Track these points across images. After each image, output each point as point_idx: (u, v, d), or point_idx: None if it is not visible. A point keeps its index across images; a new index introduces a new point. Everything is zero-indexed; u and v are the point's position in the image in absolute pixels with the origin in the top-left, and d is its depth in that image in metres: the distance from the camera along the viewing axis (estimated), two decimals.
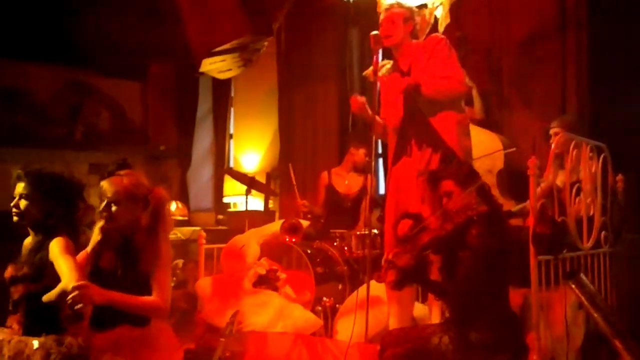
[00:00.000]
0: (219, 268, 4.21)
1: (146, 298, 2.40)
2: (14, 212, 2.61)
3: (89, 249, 2.59)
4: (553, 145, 3.10)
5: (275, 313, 3.57)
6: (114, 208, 2.50)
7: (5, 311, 2.61)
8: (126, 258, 2.49)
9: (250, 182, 5.23)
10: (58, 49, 6.18)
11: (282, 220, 4.30)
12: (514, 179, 4.02)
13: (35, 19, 5.96)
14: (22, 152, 6.10)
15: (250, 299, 3.70)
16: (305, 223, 4.26)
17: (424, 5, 3.54)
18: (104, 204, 2.52)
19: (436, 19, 3.60)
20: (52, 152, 5.99)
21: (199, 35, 5.07)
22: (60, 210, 2.55)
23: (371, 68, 3.36)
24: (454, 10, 3.74)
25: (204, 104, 7.51)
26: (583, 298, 2.65)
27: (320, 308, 3.73)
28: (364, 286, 3.15)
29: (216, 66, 5.40)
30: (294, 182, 4.83)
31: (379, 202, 4.55)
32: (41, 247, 2.56)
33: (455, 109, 3.24)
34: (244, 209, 5.72)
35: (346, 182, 4.67)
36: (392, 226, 3.28)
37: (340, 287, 3.93)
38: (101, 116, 6.88)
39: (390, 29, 3.29)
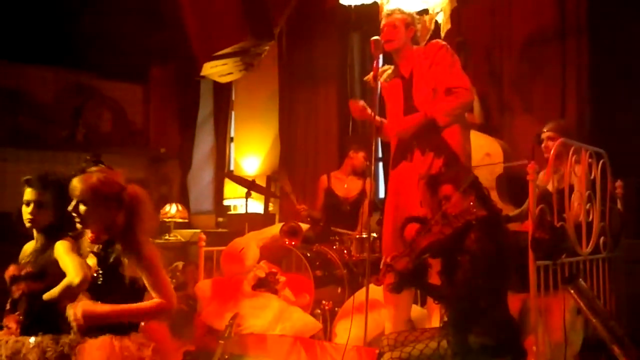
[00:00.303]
0: (219, 270, 4.21)
1: (150, 303, 2.32)
2: (28, 218, 2.62)
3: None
4: (552, 150, 3.10)
5: (275, 316, 3.58)
6: (82, 208, 2.34)
7: (3, 312, 2.62)
8: (106, 263, 2.37)
9: (250, 185, 5.24)
10: (60, 51, 6.21)
11: (281, 223, 4.31)
12: (513, 184, 4.03)
13: (38, 21, 5.99)
14: (23, 153, 6.13)
15: (249, 302, 3.71)
16: (304, 226, 4.27)
17: (425, 12, 3.55)
18: (72, 203, 2.37)
19: (437, 25, 3.61)
20: (54, 154, 6.01)
21: (200, 39, 5.09)
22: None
23: (372, 74, 3.37)
24: (454, 16, 3.76)
25: (205, 107, 7.53)
26: (582, 303, 2.65)
27: (319, 311, 3.73)
28: (362, 289, 3.16)
29: (217, 70, 5.41)
30: (290, 191, 4.84)
31: (378, 205, 4.56)
32: (47, 248, 2.58)
33: (460, 120, 3.27)
34: (244, 211, 5.73)
35: (345, 185, 4.67)
36: (391, 230, 3.30)
37: (339, 290, 3.94)
38: (102, 118, 6.90)
39: (392, 34, 3.30)
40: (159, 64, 7.15)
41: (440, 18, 3.68)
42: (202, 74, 5.55)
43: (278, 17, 5.24)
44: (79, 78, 6.77)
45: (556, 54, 4.41)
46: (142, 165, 7.11)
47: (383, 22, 3.38)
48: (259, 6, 5.09)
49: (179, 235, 6.42)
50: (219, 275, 4.18)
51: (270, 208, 6.28)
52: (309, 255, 4.00)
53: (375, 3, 3.68)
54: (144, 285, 2.36)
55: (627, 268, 3.54)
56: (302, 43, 5.95)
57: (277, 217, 6.06)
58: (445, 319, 2.75)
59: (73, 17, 6.13)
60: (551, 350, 2.87)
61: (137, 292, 2.37)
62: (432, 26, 3.54)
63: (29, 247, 2.69)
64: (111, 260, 2.34)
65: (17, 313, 2.57)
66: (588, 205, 3.19)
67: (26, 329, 2.52)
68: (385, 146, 3.60)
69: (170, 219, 6.43)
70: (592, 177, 3.27)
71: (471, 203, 2.72)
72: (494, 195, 3.66)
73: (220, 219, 7.00)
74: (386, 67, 3.48)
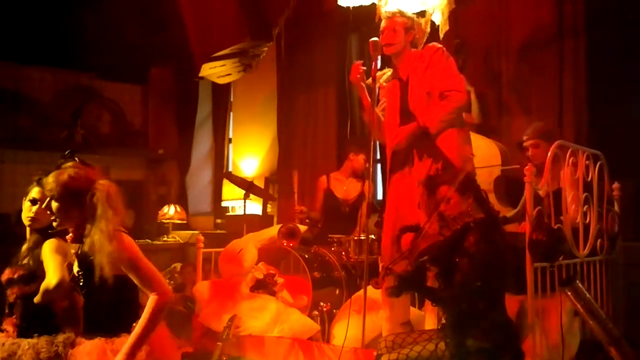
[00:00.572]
0: (217, 272, 4.21)
1: (148, 307, 2.26)
2: (30, 217, 2.63)
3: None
4: (550, 152, 3.10)
5: (273, 317, 3.58)
6: (54, 204, 2.30)
7: (2, 315, 2.63)
8: (85, 264, 2.31)
9: (248, 187, 5.24)
10: (60, 52, 6.22)
11: (280, 225, 4.31)
12: (511, 186, 4.03)
13: (37, 22, 5.99)
14: (22, 154, 6.13)
15: (247, 303, 3.71)
16: (303, 228, 4.27)
17: (421, 15, 3.56)
18: (46, 200, 2.35)
19: (433, 27, 3.61)
20: (53, 155, 5.99)
21: (199, 40, 5.09)
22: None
23: (371, 75, 3.39)
24: (452, 17, 3.76)
25: (204, 109, 7.54)
26: (579, 305, 2.66)
27: (317, 313, 3.73)
28: (360, 291, 3.16)
29: (216, 71, 5.42)
30: (296, 190, 4.83)
31: (376, 207, 4.57)
32: (36, 247, 2.59)
33: (455, 123, 3.27)
34: (242, 213, 5.74)
35: (345, 187, 4.68)
36: (391, 234, 3.31)
37: (337, 292, 3.94)
38: (101, 119, 6.90)
39: (392, 38, 3.31)
40: (158, 65, 7.16)
41: (437, 19, 3.68)
42: (200, 75, 5.56)
43: (277, 19, 5.24)
44: (78, 79, 6.78)
45: (554, 55, 4.42)
46: (141, 166, 7.12)
47: (383, 24, 3.38)
48: (258, 7, 5.10)
49: (177, 237, 6.43)
50: (217, 277, 4.18)
51: (269, 209, 6.29)
52: (307, 256, 4.00)
53: (373, 4, 3.69)
54: (130, 280, 2.30)
55: (624, 270, 3.55)
56: (300, 44, 5.96)
57: (275, 218, 6.06)
58: (443, 321, 2.75)
59: (72, 18, 6.13)
60: (548, 352, 2.88)
61: (123, 289, 2.32)
62: (428, 29, 3.55)
63: (24, 248, 2.69)
64: (87, 259, 2.28)
65: (13, 316, 2.58)
66: (585, 207, 3.19)
67: (23, 332, 2.54)
68: (382, 144, 3.60)
69: (168, 220, 6.44)
70: (589, 179, 3.28)
71: (469, 205, 2.73)
72: (492, 198, 3.66)
73: (219, 221, 7.01)
74: (386, 69, 3.48)
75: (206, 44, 5.14)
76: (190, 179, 7.41)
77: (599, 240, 3.34)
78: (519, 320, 2.90)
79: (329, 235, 4.30)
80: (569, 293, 2.66)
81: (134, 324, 2.33)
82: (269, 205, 6.29)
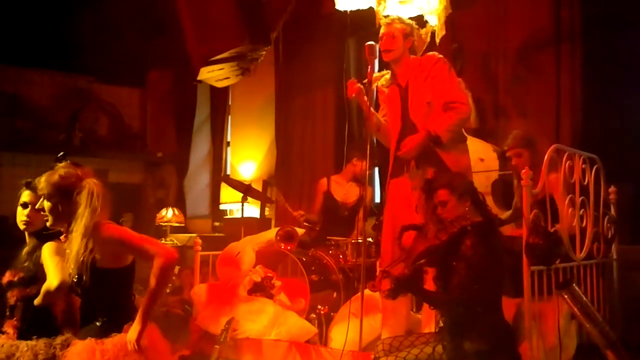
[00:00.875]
0: (215, 275, 4.21)
1: (155, 269, 2.31)
2: (24, 220, 2.64)
3: None
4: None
5: (270, 320, 3.58)
6: (46, 204, 2.40)
7: (4, 317, 2.64)
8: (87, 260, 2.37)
9: (246, 190, 5.24)
10: (58, 55, 6.23)
11: (277, 228, 4.31)
12: (509, 190, 4.04)
13: (36, 25, 6.00)
14: (20, 157, 6.14)
15: (245, 306, 3.71)
16: (300, 231, 4.27)
17: (422, 25, 3.58)
18: (40, 201, 2.44)
19: (432, 37, 3.64)
20: (51, 158, 5.99)
21: (197, 44, 5.10)
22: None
23: (367, 79, 3.40)
24: (449, 22, 3.78)
25: (202, 112, 7.55)
26: (575, 308, 2.66)
27: (314, 316, 3.73)
28: (358, 294, 3.17)
29: (214, 74, 5.43)
30: (283, 202, 4.84)
31: (374, 210, 4.58)
32: (35, 250, 2.60)
33: (458, 134, 3.31)
34: (240, 216, 5.74)
35: (344, 191, 4.69)
36: (390, 238, 3.32)
37: (335, 295, 3.94)
38: (100, 122, 6.92)
39: (391, 44, 3.32)
40: (156, 68, 7.18)
41: (434, 24, 3.70)
42: (199, 78, 5.56)
43: (275, 22, 5.25)
44: (77, 82, 6.79)
45: (551, 59, 4.43)
46: (139, 169, 7.13)
47: (382, 30, 3.39)
48: (256, 11, 5.11)
49: (175, 240, 6.42)
50: (215, 280, 4.18)
51: (266, 212, 6.29)
52: (304, 259, 4.00)
53: (371, 8, 3.70)
54: (128, 276, 2.38)
55: (620, 274, 3.56)
56: (298, 48, 5.97)
57: (273, 221, 6.07)
58: (441, 324, 2.76)
59: (71, 21, 6.14)
60: (545, 355, 2.88)
61: (117, 289, 2.38)
62: (428, 38, 3.57)
63: (24, 251, 2.70)
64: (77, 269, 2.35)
65: (14, 319, 2.59)
66: (582, 210, 3.21)
67: (22, 334, 2.55)
68: (383, 152, 3.62)
69: (166, 223, 6.44)
70: (585, 182, 3.29)
71: (467, 209, 2.74)
72: (490, 201, 3.67)
73: (217, 223, 7.01)
74: (384, 72, 3.49)
75: (204, 47, 5.14)
76: (188, 182, 7.41)
77: (595, 244, 3.35)
78: (516, 323, 2.91)
79: (328, 237, 4.31)
80: (566, 296, 2.67)
81: (126, 325, 2.36)
82: (266, 208, 6.30)
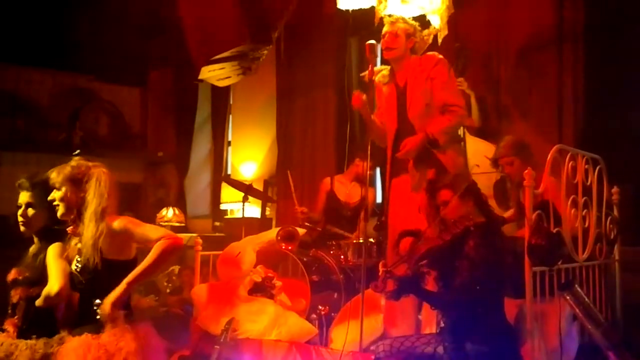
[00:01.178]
0: (215, 275, 4.20)
1: (156, 247, 2.38)
2: (21, 221, 2.65)
3: None
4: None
5: (271, 321, 3.57)
6: (57, 194, 2.51)
7: (5, 314, 2.65)
8: (80, 253, 2.47)
9: (247, 190, 5.23)
10: (58, 54, 6.22)
11: (278, 228, 4.30)
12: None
13: (36, 24, 6.00)
14: (20, 156, 6.13)
15: (245, 307, 3.70)
16: (301, 231, 4.26)
17: (425, 25, 3.58)
18: (52, 193, 2.53)
19: (434, 36, 3.63)
20: (51, 157, 6.00)
21: (198, 43, 5.09)
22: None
23: (367, 76, 3.41)
24: (451, 21, 3.77)
25: (203, 111, 7.54)
26: (578, 310, 2.65)
27: (315, 316, 3.72)
28: (359, 295, 3.16)
29: (215, 74, 5.42)
30: (293, 189, 4.83)
31: (376, 211, 4.57)
32: (42, 251, 2.60)
33: (455, 137, 3.36)
34: (240, 216, 5.73)
35: (348, 191, 4.69)
36: (394, 237, 3.31)
37: (335, 295, 3.93)
38: (100, 122, 6.91)
39: (394, 42, 3.33)
40: (157, 67, 7.17)
41: (436, 24, 3.69)
42: (200, 77, 5.55)
43: (276, 22, 5.24)
44: (77, 81, 6.78)
45: (553, 59, 4.43)
46: (139, 168, 7.12)
47: (385, 28, 3.40)
48: (257, 10, 5.10)
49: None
50: (215, 280, 4.17)
51: (267, 212, 6.28)
52: (305, 260, 3.99)
53: (373, 8, 3.69)
54: (130, 270, 2.41)
55: (623, 275, 3.55)
56: (300, 47, 5.97)
57: (273, 221, 6.06)
58: (442, 324, 2.75)
59: (71, 20, 6.14)
60: (547, 356, 2.87)
61: (117, 281, 2.40)
62: (431, 40, 3.57)
63: (31, 251, 2.71)
64: (84, 255, 2.43)
65: (15, 317, 2.59)
66: (584, 211, 3.19)
67: (22, 333, 2.55)
68: (383, 153, 3.63)
69: (166, 223, 6.42)
70: (588, 183, 3.28)
71: (469, 209, 2.73)
72: (492, 202, 3.66)
73: (217, 223, 7.00)
74: (382, 67, 3.49)
75: (205, 46, 5.13)
76: (189, 181, 7.40)
77: (597, 245, 3.34)
78: (517, 324, 2.90)
79: (329, 227, 4.31)
80: (568, 297, 2.65)
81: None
82: (267, 208, 6.29)
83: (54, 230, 2.62)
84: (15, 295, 2.62)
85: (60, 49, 6.17)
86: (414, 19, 3.58)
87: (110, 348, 2.33)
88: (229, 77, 5.61)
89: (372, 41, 3.32)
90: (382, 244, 3.65)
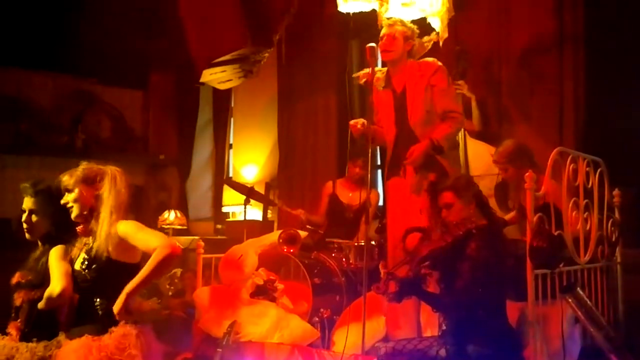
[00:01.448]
0: (217, 278, 4.20)
1: (154, 255, 2.38)
2: (26, 227, 2.66)
3: None
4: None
5: (273, 324, 3.57)
6: (70, 196, 2.53)
7: (8, 318, 2.66)
8: (92, 255, 2.48)
9: (249, 192, 5.24)
10: (60, 58, 6.23)
11: (280, 231, 4.30)
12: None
13: (38, 27, 6.01)
14: (23, 159, 6.14)
15: (247, 309, 3.70)
16: (303, 234, 4.26)
17: (426, 29, 3.59)
18: (65, 196, 2.56)
19: (434, 45, 3.65)
20: (53, 160, 6.02)
21: (200, 46, 5.10)
22: (67, 218, 2.59)
23: (362, 71, 3.48)
24: (452, 24, 3.78)
25: (204, 114, 7.55)
26: (579, 312, 2.65)
27: (317, 319, 3.72)
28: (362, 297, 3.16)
29: (217, 77, 5.43)
30: (281, 205, 4.84)
31: (377, 213, 4.57)
32: (44, 255, 2.61)
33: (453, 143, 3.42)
34: (242, 218, 5.73)
35: (350, 194, 4.69)
36: (393, 239, 3.32)
37: (337, 298, 3.93)
38: (102, 125, 6.91)
39: (391, 45, 3.35)
40: (159, 70, 7.17)
41: (437, 26, 3.70)
42: (201, 80, 5.57)
43: (277, 24, 5.26)
44: (79, 84, 6.79)
45: (554, 62, 4.43)
46: (141, 171, 7.12)
47: (384, 31, 3.41)
48: (259, 13, 5.12)
49: (177, 242, 6.41)
50: (217, 283, 4.17)
51: (269, 215, 6.29)
52: (307, 262, 3.99)
53: (374, 10, 3.70)
54: (134, 274, 2.41)
55: (624, 277, 3.55)
56: (301, 50, 5.97)
57: (275, 224, 6.06)
58: (444, 327, 2.75)
59: (73, 23, 6.15)
60: (549, 359, 2.87)
61: (120, 283, 2.41)
62: (430, 45, 3.58)
63: (34, 254, 2.72)
64: (95, 251, 2.45)
65: (18, 320, 2.60)
66: (586, 214, 3.20)
67: (25, 336, 2.56)
68: (383, 154, 3.65)
69: (168, 226, 6.43)
70: (589, 185, 3.28)
71: (471, 211, 2.73)
72: (493, 204, 3.66)
73: (219, 226, 7.00)
74: (377, 69, 3.50)
75: (207, 49, 5.15)
76: (190, 184, 7.41)
77: (599, 247, 3.34)
78: (519, 327, 2.90)
79: (328, 240, 4.31)
80: (570, 300, 2.65)
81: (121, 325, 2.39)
82: (269, 211, 6.29)
83: (57, 236, 2.64)
84: (18, 298, 2.63)
85: (62, 52, 6.17)
86: (415, 22, 3.60)
87: (111, 351, 2.34)
88: (231, 80, 5.63)
89: (373, 44, 3.33)
90: (384, 246, 3.66)
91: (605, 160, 3.48)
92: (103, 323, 2.40)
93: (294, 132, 6.22)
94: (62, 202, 2.54)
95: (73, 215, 2.54)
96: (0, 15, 5.72)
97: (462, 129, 4.17)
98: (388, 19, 3.51)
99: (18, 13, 5.92)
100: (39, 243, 2.71)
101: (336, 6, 3.79)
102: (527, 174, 2.95)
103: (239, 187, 5.39)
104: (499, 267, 2.66)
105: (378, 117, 3.52)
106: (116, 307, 2.34)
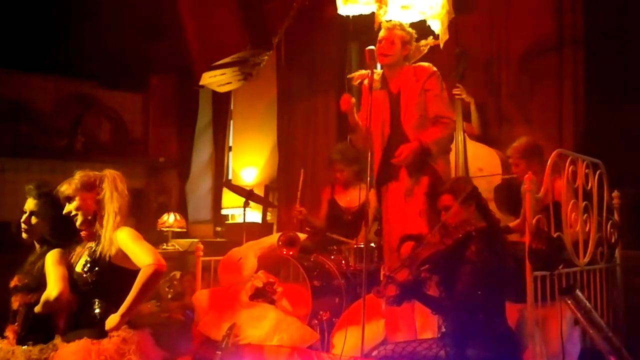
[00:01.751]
0: (216, 280, 4.20)
1: (141, 274, 2.41)
2: (24, 228, 2.67)
3: None
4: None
5: (272, 326, 3.57)
6: (72, 205, 2.56)
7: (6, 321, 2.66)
8: (96, 258, 2.51)
9: (248, 195, 5.24)
10: (60, 60, 6.23)
11: (279, 233, 4.30)
12: (512, 195, 4.03)
13: (38, 31, 6.01)
14: (23, 162, 6.14)
15: (247, 312, 3.70)
16: (302, 236, 4.26)
17: (425, 32, 3.60)
18: (66, 206, 2.58)
19: (435, 38, 3.64)
20: (53, 163, 6.02)
21: (199, 49, 5.11)
22: (65, 225, 2.60)
23: (357, 73, 3.50)
24: (452, 26, 3.78)
25: (204, 117, 7.55)
26: (579, 314, 2.64)
27: (316, 321, 3.72)
28: (361, 300, 3.16)
29: (216, 79, 5.43)
30: (300, 187, 4.79)
31: (377, 215, 4.56)
32: (40, 258, 2.61)
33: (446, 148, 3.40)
34: (242, 221, 5.73)
35: (348, 197, 4.69)
36: (388, 242, 3.32)
37: (337, 300, 3.92)
38: (102, 127, 6.91)
39: (389, 49, 3.35)
40: (159, 73, 7.18)
41: (437, 29, 3.70)
42: (201, 83, 5.57)
43: (277, 27, 5.26)
44: (79, 87, 6.79)
45: (553, 65, 4.44)
46: (141, 174, 7.12)
47: (382, 34, 3.41)
48: (258, 16, 5.12)
49: (176, 245, 6.41)
50: (217, 285, 4.17)
51: (268, 217, 6.28)
52: (306, 265, 3.99)
53: (373, 13, 3.71)
54: (127, 280, 2.43)
55: (624, 279, 3.55)
56: (300, 53, 5.98)
57: (275, 226, 6.06)
58: (444, 329, 2.75)
59: (74, 26, 6.15)
60: None
61: (120, 289, 2.44)
62: (426, 50, 3.59)
63: (30, 258, 2.72)
64: (98, 253, 2.48)
65: (15, 324, 2.60)
66: (585, 216, 3.20)
67: (21, 339, 2.56)
68: (370, 151, 3.65)
69: (168, 228, 6.43)
70: (589, 187, 3.28)
71: (471, 214, 2.73)
72: (492, 206, 3.67)
73: (218, 229, 7.00)
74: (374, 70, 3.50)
75: (206, 52, 5.15)
76: (190, 187, 7.41)
77: (598, 249, 3.34)
78: (519, 329, 2.90)
79: (329, 234, 4.31)
80: (569, 302, 2.65)
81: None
82: (268, 213, 6.29)
83: (54, 240, 2.64)
84: (15, 301, 2.64)
85: (62, 55, 6.18)
86: (415, 23, 3.60)
87: (110, 355, 2.33)
88: (230, 82, 5.63)
89: (372, 47, 3.33)
90: (383, 248, 3.66)
91: (605, 161, 3.48)
92: (102, 327, 2.40)
93: (293, 134, 6.21)
94: (65, 212, 2.57)
95: (78, 223, 2.56)
96: (0, 18, 5.72)
97: (462, 132, 4.19)
98: (387, 22, 3.51)
99: (18, 16, 5.93)
100: (36, 245, 2.71)
101: (336, 9, 3.79)
102: (526, 175, 2.96)
103: (239, 190, 5.40)
104: (499, 270, 2.66)
105: (365, 115, 3.50)
106: (110, 325, 2.36)
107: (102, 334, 2.40)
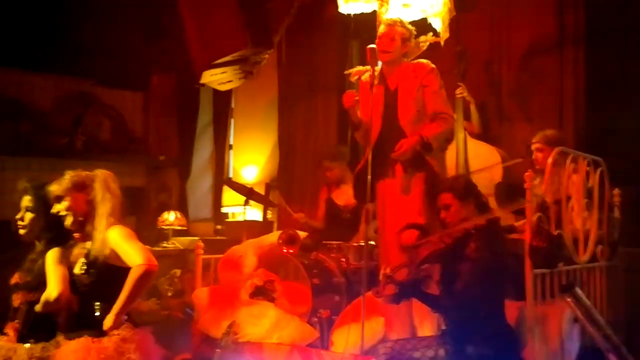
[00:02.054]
0: (216, 278, 4.20)
1: (133, 273, 2.40)
2: (20, 224, 2.67)
3: None
4: (550, 158, 3.11)
5: (272, 324, 3.57)
6: (62, 205, 2.54)
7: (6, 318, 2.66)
8: (91, 260, 2.50)
9: (248, 193, 5.24)
10: (60, 59, 6.23)
11: (279, 231, 4.30)
12: (512, 192, 4.03)
13: (38, 29, 6.01)
14: (23, 161, 6.14)
15: (246, 310, 3.70)
16: (302, 234, 4.26)
17: (425, 29, 3.59)
18: (54, 206, 2.57)
19: (435, 45, 3.65)
20: (53, 162, 6.02)
21: (200, 47, 5.10)
22: (61, 225, 2.60)
23: (355, 69, 3.50)
24: (453, 25, 3.78)
25: (205, 115, 7.55)
26: (578, 312, 2.64)
27: (316, 319, 3.72)
28: (361, 298, 3.15)
29: (217, 78, 5.43)
30: (284, 205, 4.83)
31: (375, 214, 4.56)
32: (41, 256, 2.61)
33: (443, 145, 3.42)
34: (242, 219, 5.74)
35: (345, 196, 4.69)
36: (384, 240, 3.32)
37: (337, 298, 3.92)
38: (102, 126, 6.91)
39: (389, 46, 3.35)
40: (159, 72, 7.17)
41: (438, 27, 3.70)
42: (201, 82, 5.56)
43: (278, 26, 5.26)
44: (79, 86, 6.79)
45: (554, 63, 4.44)
46: (142, 172, 7.12)
47: (381, 30, 3.40)
48: (259, 14, 5.12)
49: (177, 243, 6.42)
50: (217, 283, 4.17)
51: (269, 216, 6.28)
52: (306, 263, 3.99)
53: (374, 12, 3.71)
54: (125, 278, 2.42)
55: (624, 276, 3.54)
56: (301, 51, 5.98)
57: (275, 224, 6.06)
58: (444, 327, 2.75)
59: (74, 25, 6.16)
60: (548, 358, 2.87)
61: (118, 287, 2.43)
62: (425, 46, 3.59)
63: (30, 255, 2.72)
64: (93, 255, 2.47)
65: (16, 321, 2.60)
66: (586, 213, 3.19)
67: (22, 337, 2.56)
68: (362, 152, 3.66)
69: (168, 227, 6.43)
70: (589, 185, 3.28)
71: (470, 212, 2.73)
72: (493, 203, 3.67)
73: (219, 227, 7.01)
74: (367, 68, 3.50)
75: (207, 51, 5.15)
76: (190, 185, 7.41)
77: (599, 247, 3.34)
78: (518, 326, 2.89)
79: (324, 242, 4.31)
80: (569, 299, 2.64)
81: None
82: (269, 212, 6.29)
83: (52, 237, 2.64)
84: (16, 299, 2.64)
85: (62, 53, 6.18)
86: (416, 22, 3.60)
87: (110, 353, 2.33)
88: (231, 81, 5.62)
89: (373, 45, 3.33)
90: (377, 244, 3.65)
91: (605, 160, 3.48)
92: (102, 326, 2.40)
93: (294, 133, 6.22)
94: (53, 211, 2.55)
95: (67, 223, 2.55)
96: (0, 17, 5.73)
97: (463, 130, 4.18)
98: (387, 19, 3.50)
99: (18, 14, 5.93)
100: (36, 243, 2.71)
101: (337, 7, 3.79)
102: (526, 173, 2.96)
103: (239, 188, 5.39)
104: (499, 267, 2.65)
105: (364, 110, 3.50)
106: (107, 325, 2.36)
107: (102, 332, 2.40)
